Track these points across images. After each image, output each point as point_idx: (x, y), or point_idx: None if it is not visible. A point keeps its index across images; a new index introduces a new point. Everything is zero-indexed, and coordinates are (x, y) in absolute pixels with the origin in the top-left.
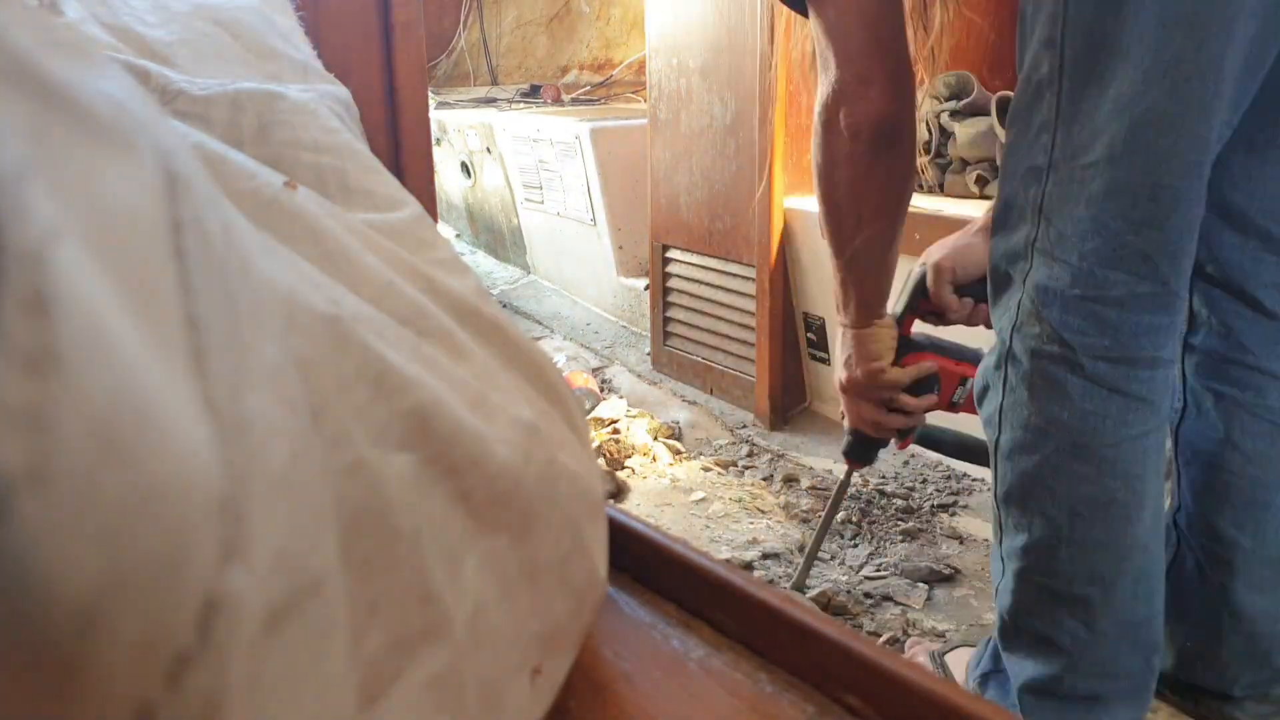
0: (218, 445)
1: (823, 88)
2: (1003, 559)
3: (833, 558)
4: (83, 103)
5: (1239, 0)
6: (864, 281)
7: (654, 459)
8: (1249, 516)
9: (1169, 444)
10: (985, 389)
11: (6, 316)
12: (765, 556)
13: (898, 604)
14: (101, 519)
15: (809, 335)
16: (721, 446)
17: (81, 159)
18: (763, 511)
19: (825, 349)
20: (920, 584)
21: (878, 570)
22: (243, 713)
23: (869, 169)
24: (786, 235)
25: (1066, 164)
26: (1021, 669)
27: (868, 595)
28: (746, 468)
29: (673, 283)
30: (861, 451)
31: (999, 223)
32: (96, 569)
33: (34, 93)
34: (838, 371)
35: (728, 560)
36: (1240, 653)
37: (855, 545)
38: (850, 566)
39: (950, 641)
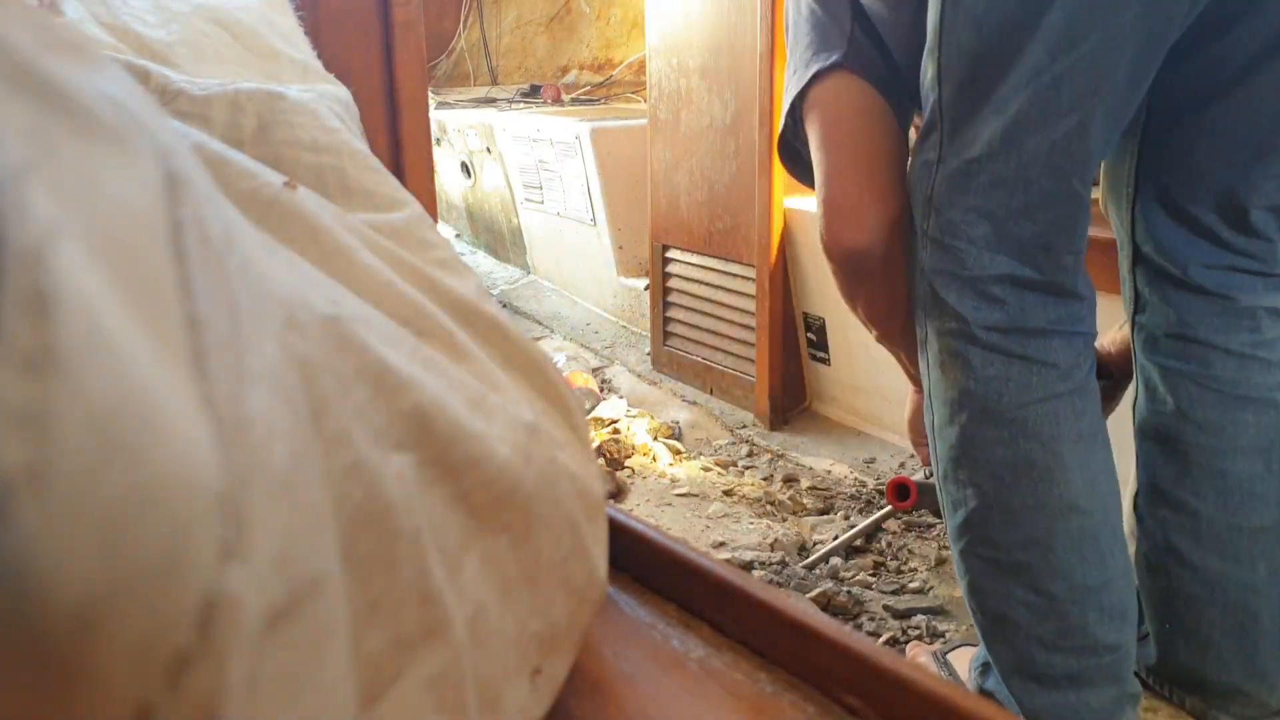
0: (218, 445)
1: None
2: (952, 542)
3: (827, 561)
4: (83, 103)
5: (1115, 33)
6: (900, 355)
7: (654, 459)
8: (1208, 485)
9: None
10: (918, 380)
11: (6, 316)
12: (765, 557)
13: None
14: (101, 519)
15: (809, 335)
16: (721, 446)
17: (81, 159)
18: (763, 512)
19: (825, 349)
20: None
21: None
22: (242, 713)
23: (853, 290)
24: (786, 235)
25: (954, 159)
26: (997, 655)
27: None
28: (746, 468)
29: (673, 283)
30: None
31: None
32: (96, 569)
33: (34, 93)
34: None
35: (727, 560)
36: (1221, 627)
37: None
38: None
39: (951, 641)
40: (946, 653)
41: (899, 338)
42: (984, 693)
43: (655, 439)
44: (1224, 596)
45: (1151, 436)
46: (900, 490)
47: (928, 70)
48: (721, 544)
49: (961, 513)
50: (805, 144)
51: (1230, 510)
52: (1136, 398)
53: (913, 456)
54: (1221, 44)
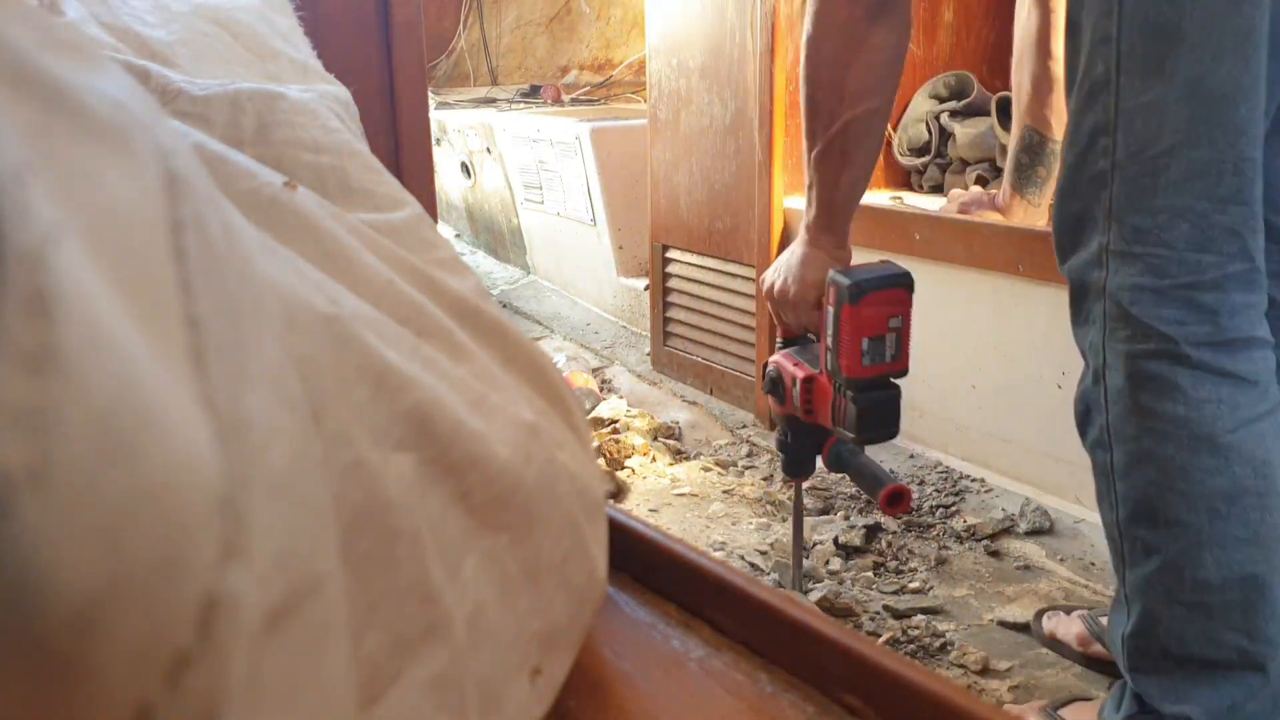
0: (218, 445)
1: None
2: (1127, 599)
3: (827, 563)
4: (83, 103)
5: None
6: (834, 184)
7: (654, 459)
8: None
9: None
10: (1086, 412)
11: (7, 316)
12: (765, 556)
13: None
14: (101, 519)
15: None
16: (721, 446)
17: (81, 159)
18: (763, 512)
19: None
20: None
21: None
22: (242, 713)
23: (864, 36)
24: (786, 235)
25: (1132, 161)
26: (1191, 708)
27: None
28: (746, 468)
29: (673, 283)
30: (796, 466)
31: (1068, 243)
32: (96, 569)
33: (34, 93)
34: (768, 275)
35: (727, 560)
36: None
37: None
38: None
39: (1060, 695)
40: (1059, 708)
41: (852, 130)
42: None
43: (655, 439)
44: None
45: None
46: (894, 497)
47: (1097, 64)
48: (722, 544)
49: (1157, 559)
50: None
51: None
52: None
53: (912, 457)
54: None
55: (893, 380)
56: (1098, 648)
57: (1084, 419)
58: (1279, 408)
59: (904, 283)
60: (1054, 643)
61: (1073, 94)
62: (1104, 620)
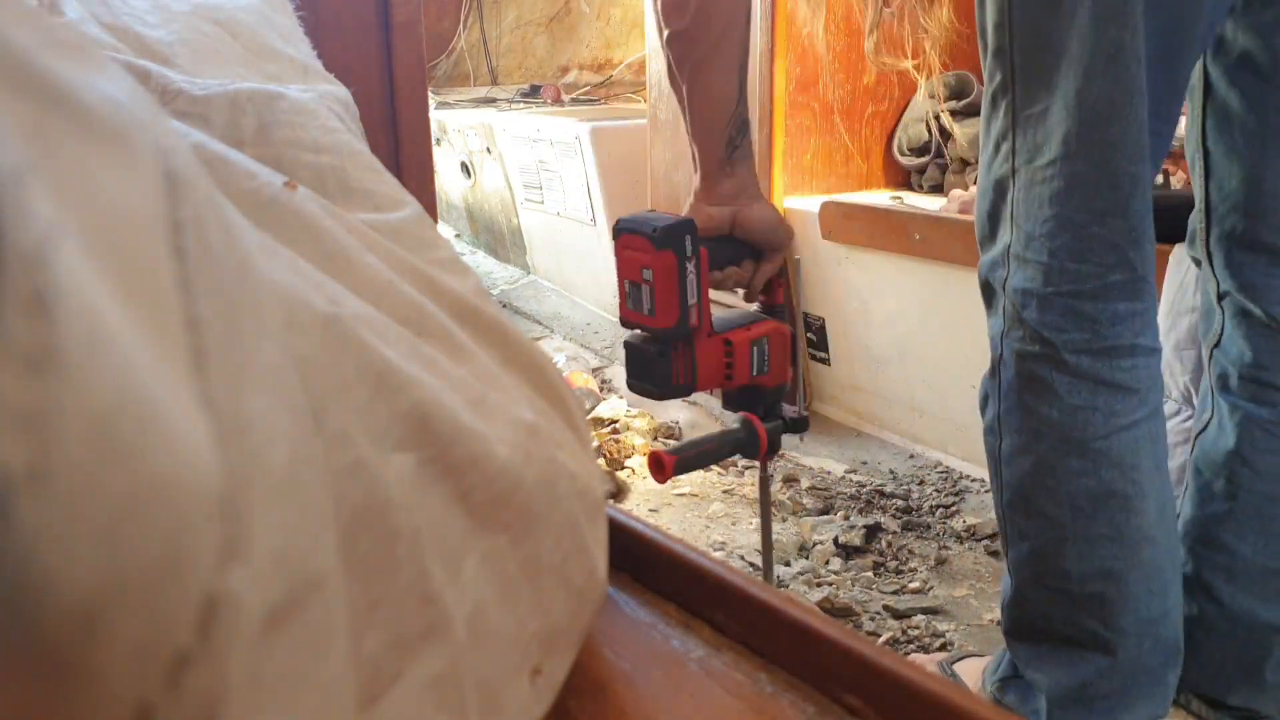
0: (218, 445)
1: None
2: (1011, 571)
3: (827, 563)
4: (83, 103)
5: (1138, 15)
6: (708, 127)
7: None
8: (1252, 529)
9: (1187, 451)
10: (985, 398)
11: (6, 316)
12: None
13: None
14: (101, 519)
15: (809, 335)
16: None
17: (81, 159)
18: None
19: (825, 349)
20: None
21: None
22: (242, 713)
23: (691, 83)
24: None
25: (1027, 168)
26: (1048, 679)
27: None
28: (746, 468)
29: None
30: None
31: (982, 239)
32: (96, 569)
33: (34, 93)
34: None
35: (727, 560)
36: (1238, 661)
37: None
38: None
39: (956, 651)
40: (953, 663)
41: (720, 65)
42: (1001, 705)
43: (655, 439)
44: (1246, 633)
45: (1206, 471)
46: (657, 463)
47: (996, 74)
48: (722, 544)
49: (1028, 544)
50: None
51: (1270, 555)
52: (1205, 427)
53: (911, 457)
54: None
55: (659, 335)
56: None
57: (983, 404)
58: (1156, 413)
59: (649, 234)
60: None
61: (986, 99)
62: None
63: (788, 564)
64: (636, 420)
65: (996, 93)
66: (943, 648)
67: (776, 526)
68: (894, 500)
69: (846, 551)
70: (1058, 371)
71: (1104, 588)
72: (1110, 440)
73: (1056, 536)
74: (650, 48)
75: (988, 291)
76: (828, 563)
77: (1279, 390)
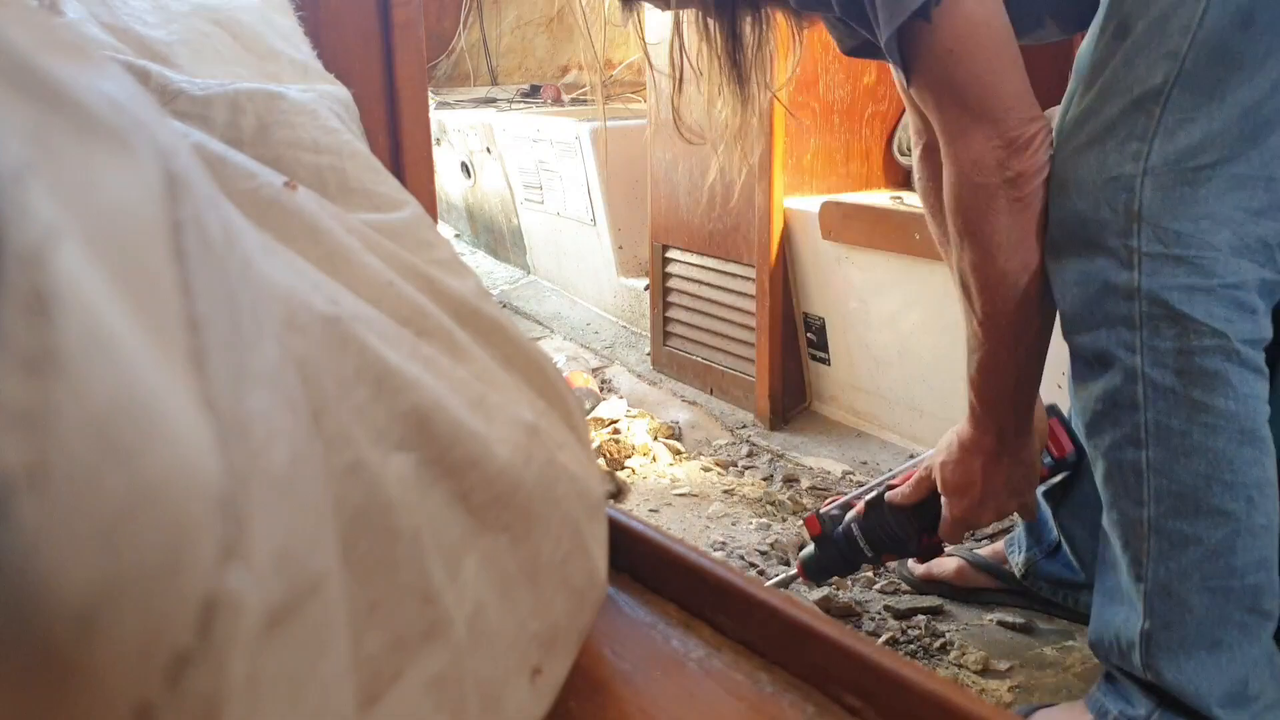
0: (218, 445)
1: (969, 152)
2: (1146, 595)
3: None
4: (83, 103)
5: None
6: (1036, 376)
7: (654, 459)
8: None
9: None
10: (1109, 411)
11: (6, 317)
12: (765, 556)
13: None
14: (101, 519)
15: (809, 335)
16: (721, 446)
17: (81, 159)
18: (763, 512)
19: (825, 349)
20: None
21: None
22: (242, 713)
23: (1039, 217)
24: (786, 235)
25: (1169, 168)
26: (1203, 686)
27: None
28: (746, 468)
29: (673, 283)
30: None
31: (1064, 238)
32: (96, 569)
33: (34, 93)
34: (973, 511)
35: (727, 560)
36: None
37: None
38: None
39: (1023, 705)
40: (1029, 714)
41: (1050, 314)
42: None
43: (655, 439)
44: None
45: None
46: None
47: (1157, 74)
48: (722, 544)
49: (1195, 549)
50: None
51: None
52: None
53: (911, 457)
54: None
55: None
56: (981, 578)
57: (1104, 419)
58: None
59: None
60: (930, 582)
61: (1103, 94)
62: (982, 550)
63: (786, 563)
64: (637, 420)
65: (1147, 94)
66: (943, 648)
67: (776, 526)
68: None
69: None
70: (1229, 362)
71: (1261, 578)
72: (1273, 428)
73: (1231, 531)
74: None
75: (1098, 297)
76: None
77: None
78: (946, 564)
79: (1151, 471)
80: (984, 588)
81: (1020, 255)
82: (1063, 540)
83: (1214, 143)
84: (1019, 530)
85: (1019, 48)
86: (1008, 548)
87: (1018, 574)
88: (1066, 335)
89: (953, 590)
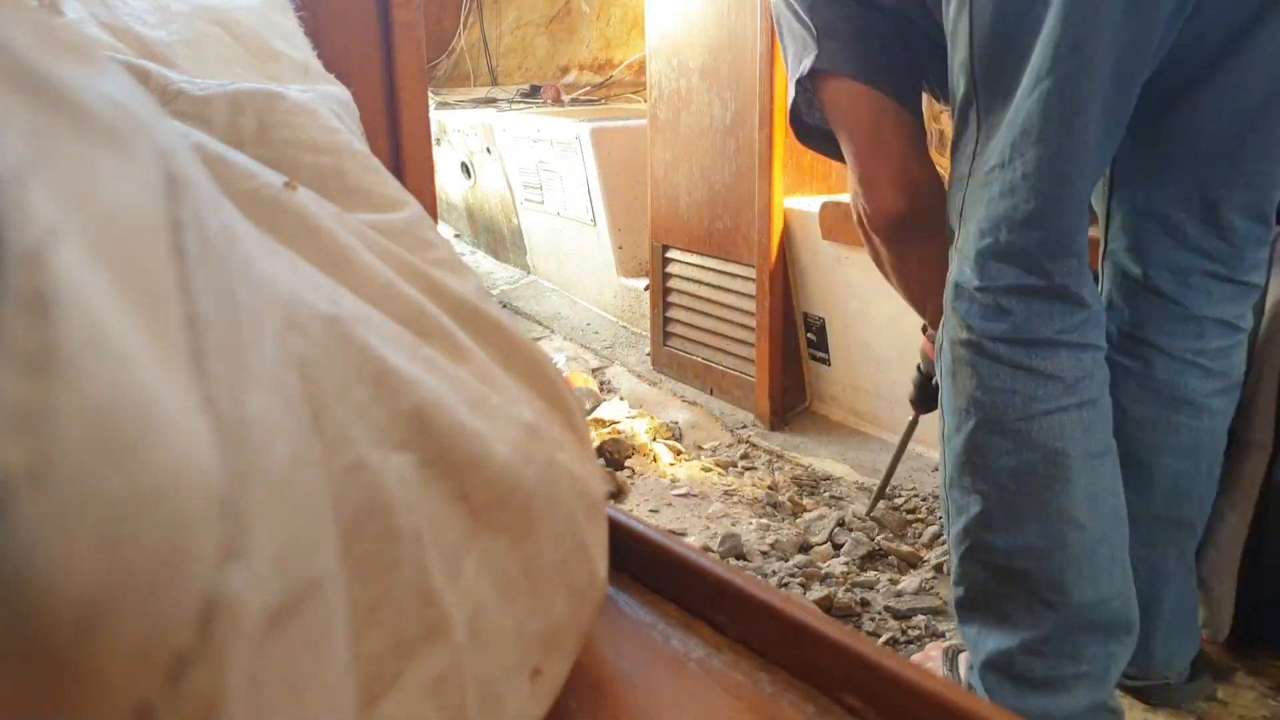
0: (218, 445)
1: (849, 184)
2: (952, 547)
3: (827, 563)
4: (83, 103)
5: (1102, 38)
6: (928, 317)
7: (654, 459)
8: (1135, 477)
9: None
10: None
11: (6, 316)
12: (765, 556)
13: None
14: (101, 519)
15: (809, 335)
16: (721, 446)
17: (81, 159)
18: (763, 512)
19: (825, 349)
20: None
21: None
22: (242, 713)
23: (900, 259)
24: (786, 235)
25: (978, 172)
26: (979, 644)
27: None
28: (746, 468)
29: (673, 283)
30: (926, 398)
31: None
32: (96, 569)
33: (34, 93)
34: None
35: (727, 560)
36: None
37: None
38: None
39: (954, 642)
40: (959, 652)
41: (927, 299)
42: (966, 685)
43: (655, 439)
44: (1135, 578)
45: None
46: None
47: (960, 84)
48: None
49: (964, 518)
50: (819, 119)
51: (1153, 502)
52: None
53: (912, 457)
54: (1187, 39)
55: None
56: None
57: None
58: (1090, 404)
59: None
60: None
61: (953, 103)
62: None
63: (786, 562)
64: (637, 420)
65: (965, 101)
66: None
67: (776, 526)
68: (894, 500)
69: (847, 551)
70: (979, 356)
71: (1028, 564)
72: (1031, 423)
73: (985, 513)
74: (650, 48)
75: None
76: (827, 563)
77: (1150, 346)
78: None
79: (943, 443)
80: None
81: (893, 275)
82: None
83: (996, 149)
84: None
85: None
86: None
87: None
88: None
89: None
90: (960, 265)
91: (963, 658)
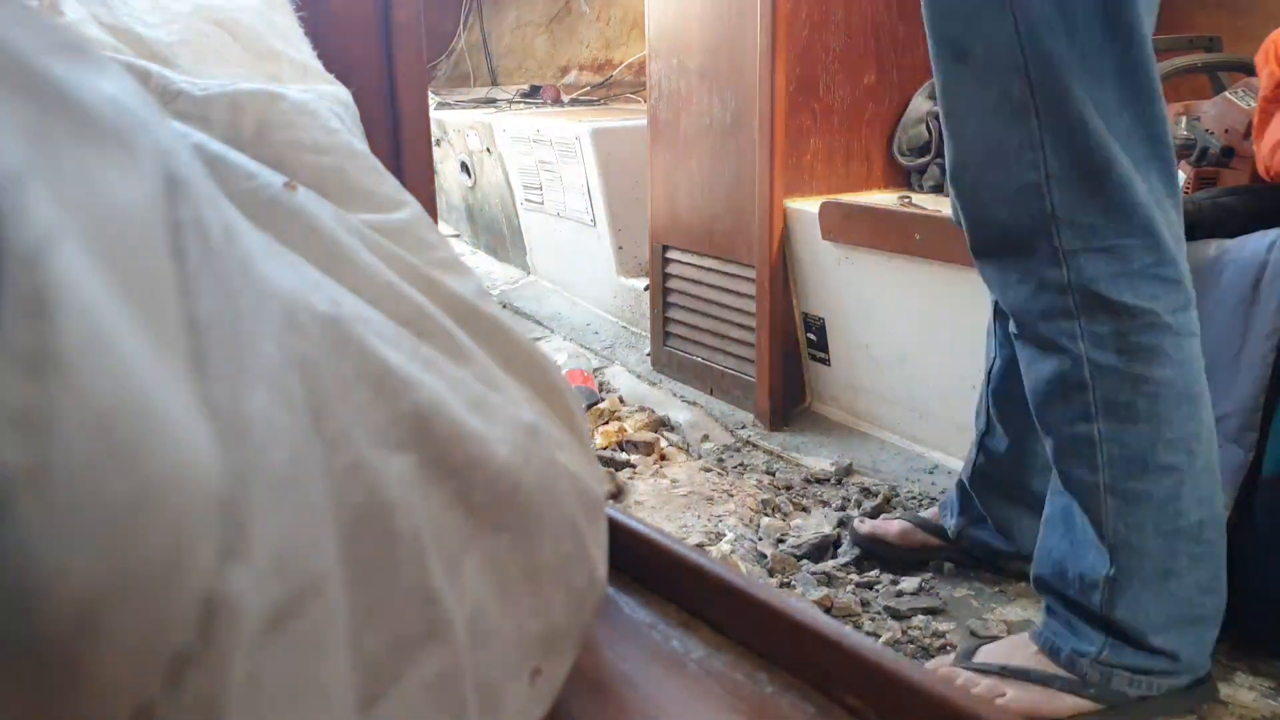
0: (218, 446)
1: None
2: (1110, 548)
3: (825, 562)
4: (83, 103)
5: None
6: None
7: (654, 459)
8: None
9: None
10: (1060, 393)
11: (6, 317)
12: (765, 557)
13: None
14: (101, 519)
15: (809, 335)
16: (721, 447)
17: (81, 160)
18: (763, 512)
19: (825, 349)
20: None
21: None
22: (242, 713)
23: None
24: (786, 235)
25: (1067, 170)
26: (1153, 613)
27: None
28: (747, 468)
29: (673, 283)
30: None
31: (992, 251)
32: (96, 569)
33: (34, 93)
34: None
35: (727, 560)
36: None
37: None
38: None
39: (962, 646)
40: (969, 656)
41: None
42: (1083, 678)
43: (655, 439)
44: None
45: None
46: None
47: (1013, 89)
48: (722, 544)
49: (1149, 503)
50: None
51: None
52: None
53: (912, 458)
54: None
55: None
56: (920, 536)
57: (1054, 399)
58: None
59: None
60: (874, 541)
61: (972, 117)
62: (925, 512)
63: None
64: (636, 416)
65: (1018, 108)
66: (942, 648)
67: (775, 526)
68: (894, 501)
69: (846, 552)
70: (1164, 335)
71: (1202, 514)
72: (1203, 383)
73: (1176, 481)
74: (650, 48)
75: (1030, 303)
76: (827, 563)
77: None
78: (890, 526)
79: (1104, 441)
80: (927, 545)
81: None
82: (989, 518)
83: (1104, 140)
84: (951, 495)
85: None
86: (942, 510)
87: (951, 536)
88: (1015, 326)
89: (895, 550)
90: (1094, 257)
91: (984, 654)
